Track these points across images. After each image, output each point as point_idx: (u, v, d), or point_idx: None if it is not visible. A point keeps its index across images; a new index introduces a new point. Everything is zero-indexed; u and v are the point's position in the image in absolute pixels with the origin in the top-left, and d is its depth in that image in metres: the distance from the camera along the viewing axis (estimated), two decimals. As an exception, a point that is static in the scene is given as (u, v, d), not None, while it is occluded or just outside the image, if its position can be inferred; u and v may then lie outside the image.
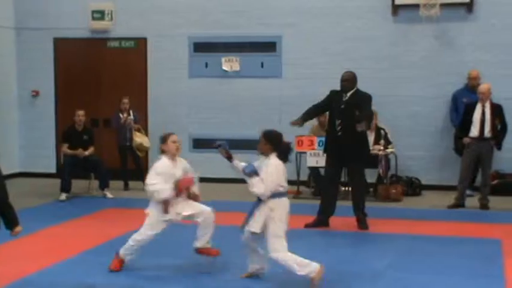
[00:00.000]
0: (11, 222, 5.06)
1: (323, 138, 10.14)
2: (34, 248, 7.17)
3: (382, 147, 10.03)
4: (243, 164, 5.88)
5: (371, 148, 9.37)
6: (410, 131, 11.03)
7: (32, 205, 9.69)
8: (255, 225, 5.63)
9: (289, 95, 11.49)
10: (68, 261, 6.65)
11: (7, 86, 12.45)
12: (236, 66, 11.70)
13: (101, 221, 8.75)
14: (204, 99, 11.83)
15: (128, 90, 11.63)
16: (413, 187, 10.55)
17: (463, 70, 10.61)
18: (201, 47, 11.84)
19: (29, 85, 12.55)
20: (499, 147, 9.50)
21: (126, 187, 11.13)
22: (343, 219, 8.18)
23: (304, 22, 11.38)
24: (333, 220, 8.13)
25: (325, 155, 8.48)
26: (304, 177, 10.79)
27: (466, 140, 9.39)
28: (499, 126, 9.36)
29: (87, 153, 10.35)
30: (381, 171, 10.16)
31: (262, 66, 11.62)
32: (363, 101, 7.95)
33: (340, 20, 11.25)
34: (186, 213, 6.16)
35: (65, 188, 10.18)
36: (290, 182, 10.66)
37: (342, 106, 7.95)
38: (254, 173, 5.61)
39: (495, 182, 10.36)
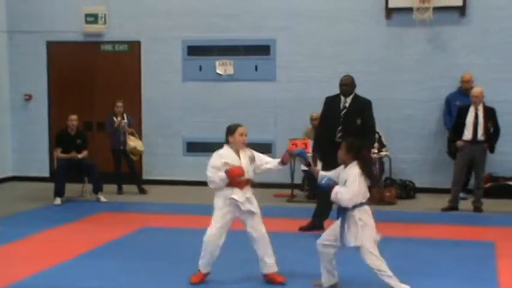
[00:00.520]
0: None
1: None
2: (28, 252, 7.14)
3: (376, 151, 10.05)
4: (322, 173, 5.78)
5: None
6: (404, 134, 11.06)
7: (25, 209, 9.66)
8: (356, 239, 5.49)
9: (283, 98, 11.50)
10: (62, 265, 6.62)
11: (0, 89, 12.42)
12: (230, 70, 11.70)
13: (95, 225, 8.72)
14: (198, 103, 11.82)
15: (122, 93, 11.61)
16: (407, 190, 10.57)
17: (456, 73, 10.65)
18: (194, 50, 11.84)
19: (22, 89, 12.51)
20: (492, 150, 9.52)
21: (119, 191, 11.11)
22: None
23: (298, 25, 11.40)
24: (328, 224, 8.10)
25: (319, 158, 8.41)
26: (298, 180, 10.80)
27: (459, 143, 9.42)
28: (491, 129, 9.40)
29: (80, 156, 10.31)
30: (374, 174, 10.18)
31: (256, 69, 11.63)
32: (365, 108, 7.84)
33: (333, 23, 11.27)
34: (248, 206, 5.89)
35: (59, 192, 10.15)
36: (284, 185, 10.87)
37: (343, 113, 7.80)
38: (333, 182, 5.53)
39: (488, 184, 10.40)
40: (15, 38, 12.44)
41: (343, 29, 11.23)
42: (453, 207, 9.49)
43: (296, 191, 10.70)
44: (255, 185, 6.08)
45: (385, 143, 10.46)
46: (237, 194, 5.84)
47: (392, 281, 5.50)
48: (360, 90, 8.33)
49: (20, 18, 12.38)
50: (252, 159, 6.01)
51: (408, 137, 11.05)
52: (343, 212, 5.54)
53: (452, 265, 6.58)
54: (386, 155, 10.33)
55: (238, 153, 5.95)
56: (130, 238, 7.83)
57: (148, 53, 11.99)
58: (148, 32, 11.94)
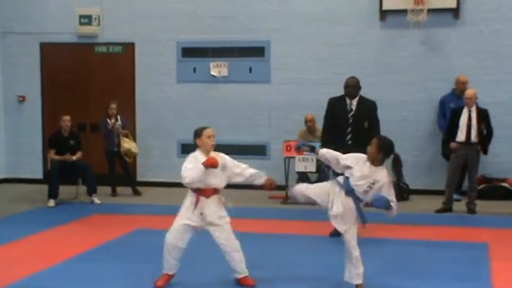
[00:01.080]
0: None
1: (312, 143, 10.15)
2: (21, 254, 7.12)
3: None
4: (331, 151, 5.73)
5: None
6: (398, 136, 10.99)
7: (18, 211, 9.63)
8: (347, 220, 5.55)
9: (278, 100, 11.51)
10: (55, 267, 6.60)
11: (-7, 91, 12.39)
12: (224, 72, 11.70)
13: (89, 227, 8.70)
14: (192, 105, 11.81)
15: (116, 95, 11.59)
16: (401, 192, 10.56)
17: (450, 75, 10.68)
18: (189, 52, 11.83)
19: (15, 90, 12.48)
20: (485, 152, 9.55)
21: (113, 193, 11.08)
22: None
23: (292, 27, 11.41)
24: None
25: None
26: (292, 182, 10.78)
27: (452, 144, 9.45)
28: (485, 131, 9.42)
29: (75, 158, 10.29)
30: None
31: (250, 71, 11.63)
32: (372, 111, 7.82)
33: (328, 25, 11.28)
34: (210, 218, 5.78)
35: (53, 194, 10.12)
36: (278, 187, 10.82)
37: (350, 115, 7.73)
38: (389, 201, 5.36)
39: (482, 186, 10.43)
40: (9, 39, 12.41)
41: (337, 31, 11.25)
42: (447, 208, 9.51)
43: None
44: (225, 203, 5.95)
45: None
46: (202, 204, 5.74)
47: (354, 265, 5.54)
48: (354, 92, 8.34)
49: (13, 20, 12.35)
50: (224, 167, 5.85)
51: (402, 139, 11.03)
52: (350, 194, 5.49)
53: (446, 266, 6.59)
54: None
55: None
56: (124, 240, 7.81)
57: (142, 55, 11.98)
58: (142, 34, 11.93)
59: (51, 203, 10.08)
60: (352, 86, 7.82)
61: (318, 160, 10.08)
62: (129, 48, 12.04)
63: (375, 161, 5.45)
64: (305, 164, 10.06)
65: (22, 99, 12.50)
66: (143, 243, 7.58)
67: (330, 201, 5.61)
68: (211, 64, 11.72)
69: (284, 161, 10.51)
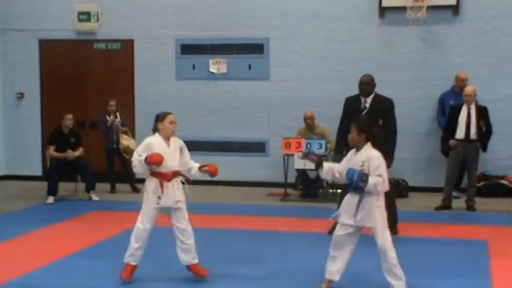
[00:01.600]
0: None
1: (311, 141, 10.18)
2: (20, 250, 7.12)
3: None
4: (336, 166, 5.61)
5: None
6: (397, 132, 11.03)
7: (17, 208, 9.62)
8: (371, 220, 5.41)
9: (277, 97, 11.49)
10: (54, 264, 6.60)
11: (-8, 88, 12.37)
12: (223, 68, 11.68)
13: (88, 224, 8.70)
14: (191, 102, 11.79)
15: (115, 92, 11.57)
16: (400, 189, 10.56)
17: (450, 72, 10.67)
18: (188, 49, 11.81)
19: (14, 87, 12.46)
20: (485, 149, 9.55)
21: (112, 190, 11.08)
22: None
23: (292, 24, 11.39)
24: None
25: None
26: (291, 179, 10.79)
27: (452, 142, 9.44)
28: (484, 128, 9.42)
29: (77, 153, 10.27)
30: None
31: (249, 68, 11.61)
32: (387, 109, 7.68)
33: (327, 22, 11.26)
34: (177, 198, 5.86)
35: (52, 191, 10.11)
36: (277, 184, 10.86)
37: (364, 113, 7.57)
38: (364, 175, 5.30)
39: (481, 183, 10.42)
40: (8, 36, 12.38)
41: (336, 27, 11.23)
42: (446, 205, 9.51)
43: (290, 190, 10.68)
44: (188, 181, 6.01)
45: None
46: (161, 188, 5.82)
47: (397, 269, 5.49)
48: (353, 90, 8.31)
49: (12, 16, 12.32)
50: (182, 149, 5.99)
51: (402, 136, 10.96)
52: (360, 191, 5.40)
53: (445, 264, 6.59)
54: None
55: (168, 142, 5.92)
56: (123, 237, 7.78)
57: (141, 52, 11.96)
58: (141, 31, 11.91)
59: (50, 199, 10.07)
60: (366, 84, 7.69)
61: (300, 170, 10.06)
62: (128, 45, 12.02)
63: (359, 144, 5.48)
64: (304, 161, 9.98)
65: (21, 96, 12.48)
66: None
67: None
68: (211, 61, 11.70)
69: (283, 158, 10.50)
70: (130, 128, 11.49)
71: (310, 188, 10.44)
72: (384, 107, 7.70)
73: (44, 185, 10.34)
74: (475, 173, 9.63)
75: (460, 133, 9.35)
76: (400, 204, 9.97)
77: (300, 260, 6.75)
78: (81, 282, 5.99)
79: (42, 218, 8.97)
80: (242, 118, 11.67)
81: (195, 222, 6.14)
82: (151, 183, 5.92)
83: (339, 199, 7.84)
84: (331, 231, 7.72)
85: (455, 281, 6.03)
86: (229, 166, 10.81)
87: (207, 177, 6.19)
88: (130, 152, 11.12)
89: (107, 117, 10.96)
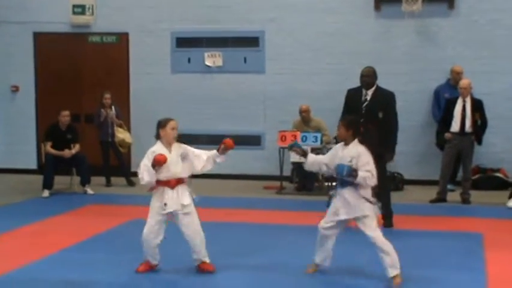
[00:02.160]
0: None
1: (306, 134, 10.18)
2: (16, 244, 7.10)
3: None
4: (320, 157, 5.91)
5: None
6: (394, 126, 11.06)
7: (12, 202, 9.61)
8: (360, 210, 5.58)
9: (273, 90, 11.49)
10: (49, 257, 6.59)
11: (-14, 81, 12.32)
12: (219, 62, 11.66)
13: (83, 217, 8.69)
14: (186, 95, 11.78)
15: (110, 85, 11.54)
16: (396, 182, 10.59)
17: (445, 65, 10.68)
18: (183, 42, 11.79)
19: (9, 80, 12.41)
20: (480, 142, 9.57)
21: (108, 183, 11.06)
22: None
23: (287, 17, 11.38)
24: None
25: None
26: (287, 172, 10.80)
27: (447, 135, 9.45)
28: (479, 121, 9.43)
29: (74, 151, 10.26)
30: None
31: (245, 61, 11.59)
32: (387, 101, 7.64)
33: (322, 15, 11.25)
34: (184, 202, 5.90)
35: (48, 184, 10.10)
36: (273, 177, 10.86)
37: (364, 105, 7.56)
38: (353, 170, 5.46)
39: (476, 176, 10.46)
40: (2, 29, 12.33)
41: (332, 20, 11.22)
42: (441, 198, 9.53)
43: (285, 183, 10.70)
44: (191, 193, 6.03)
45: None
46: (167, 195, 5.87)
47: (389, 257, 5.57)
48: (348, 83, 8.33)
49: (7, 9, 12.26)
50: (185, 157, 5.97)
51: (397, 129, 11.06)
52: (345, 184, 5.58)
53: (440, 256, 6.60)
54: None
55: (170, 149, 5.95)
56: (118, 230, 7.81)
57: (136, 45, 11.93)
58: (136, 24, 11.88)
59: (46, 193, 10.06)
60: (367, 76, 7.63)
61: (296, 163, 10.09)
62: (123, 38, 11.99)
63: (348, 140, 5.67)
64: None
65: (15, 89, 12.43)
66: (137, 234, 7.54)
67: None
68: (206, 54, 11.68)
69: (279, 151, 10.50)
70: (125, 121, 11.48)
71: (305, 181, 10.46)
72: (385, 100, 7.66)
73: (39, 178, 10.32)
74: (470, 166, 9.65)
75: (455, 126, 9.36)
76: (396, 197, 10.00)
77: (295, 252, 6.76)
78: (77, 275, 5.98)
79: (37, 211, 8.95)
80: (238, 111, 11.66)
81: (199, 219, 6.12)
82: (156, 192, 5.96)
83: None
84: None
85: (450, 273, 6.04)
86: (225, 159, 10.78)
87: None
88: (125, 145, 11.14)
89: (102, 111, 10.94)
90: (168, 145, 5.95)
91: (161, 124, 5.99)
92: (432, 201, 9.51)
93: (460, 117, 9.33)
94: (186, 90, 11.79)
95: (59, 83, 12.19)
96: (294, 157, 10.10)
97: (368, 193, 5.65)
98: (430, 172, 10.59)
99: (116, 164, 11.06)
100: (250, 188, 10.75)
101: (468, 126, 9.34)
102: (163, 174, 5.85)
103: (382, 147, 7.41)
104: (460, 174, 9.97)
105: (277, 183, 10.59)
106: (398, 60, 11.03)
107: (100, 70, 12.04)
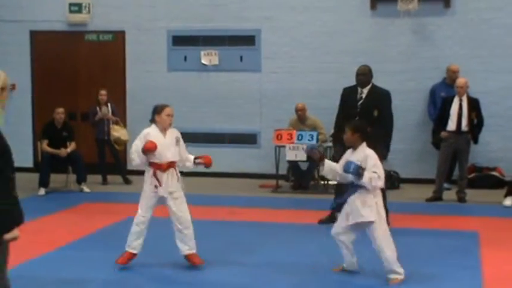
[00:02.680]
0: None
1: (302, 132, 10.19)
2: (12, 242, 7.08)
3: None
4: (335, 164, 5.82)
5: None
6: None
7: (8, 200, 9.58)
8: (368, 215, 5.58)
9: (269, 88, 11.49)
10: (45, 255, 6.59)
11: (-18, 79, 12.27)
12: (215, 60, 11.65)
13: (79, 215, 8.68)
14: (182, 93, 11.77)
15: (106, 83, 11.53)
16: (392, 180, 10.58)
17: (441, 64, 10.69)
18: (179, 40, 11.78)
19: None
20: (476, 141, 9.58)
21: (104, 181, 11.05)
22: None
23: (283, 16, 11.37)
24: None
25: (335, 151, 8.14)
26: (283, 171, 10.80)
27: (443, 134, 9.47)
28: (475, 120, 9.45)
29: (69, 150, 10.26)
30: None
31: (241, 60, 11.59)
32: (382, 100, 7.65)
33: (318, 13, 11.25)
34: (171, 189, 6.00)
35: (44, 182, 10.09)
36: (269, 176, 10.87)
37: (359, 104, 7.57)
38: (360, 168, 5.48)
39: (472, 175, 10.47)
40: (-2, 27, 12.31)
41: (328, 19, 11.22)
42: (437, 197, 9.54)
43: (281, 182, 10.70)
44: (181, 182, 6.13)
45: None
46: (159, 178, 5.95)
47: (393, 263, 5.61)
48: (344, 81, 8.33)
49: (2, 7, 12.22)
50: (178, 141, 6.12)
51: (393, 128, 11.05)
52: (356, 188, 5.59)
53: (436, 255, 6.62)
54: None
55: (164, 133, 6.05)
56: (114, 228, 7.80)
57: (133, 43, 11.91)
58: (133, 22, 11.86)
59: (42, 191, 10.05)
60: (362, 74, 7.65)
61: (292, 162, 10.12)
62: (119, 36, 11.98)
63: (355, 144, 5.68)
64: (296, 152, 10.04)
65: (12, 88, 12.40)
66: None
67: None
68: (202, 53, 11.67)
69: (275, 149, 10.51)
70: (121, 119, 11.45)
71: (301, 180, 10.46)
72: (380, 99, 7.68)
73: (35, 176, 10.30)
74: (466, 164, 9.67)
75: (451, 125, 9.38)
76: (392, 195, 10.03)
77: (291, 250, 6.77)
78: (73, 273, 5.98)
79: (33, 209, 8.84)
80: (234, 110, 11.66)
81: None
82: (148, 173, 6.06)
83: (335, 190, 7.88)
84: (321, 221, 7.80)
85: (446, 272, 6.05)
86: (221, 158, 10.78)
87: (200, 169, 6.26)
88: (121, 143, 11.12)
89: (98, 108, 10.93)
90: (163, 130, 6.05)
91: (157, 110, 6.08)
92: (428, 200, 9.52)
93: (457, 116, 9.34)
94: (183, 88, 11.78)
95: (55, 81, 12.17)
96: (290, 156, 10.14)
97: (380, 202, 5.66)
98: (426, 171, 10.60)
99: (112, 161, 11.05)
100: (246, 187, 10.75)
101: (464, 125, 9.35)
102: (156, 157, 5.96)
103: (377, 145, 7.42)
104: (456, 172, 9.99)
105: (273, 182, 10.60)
106: (394, 59, 11.04)
107: (96, 68, 12.03)
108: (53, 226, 8.00)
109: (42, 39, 12.20)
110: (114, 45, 12.01)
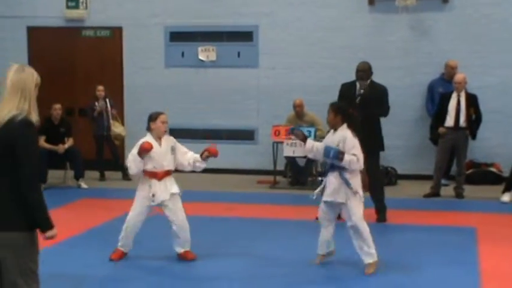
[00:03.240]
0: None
1: (300, 128, 10.15)
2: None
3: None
4: (318, 143, 6.00)
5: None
6: (387, 120, 10.98)
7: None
8: (342, 195, 5.72)
9: (266, 84, 11.47)
10: (43, 251, 6.52)
11: (-21, 75, 12.24)
12: (213, 56, 11.63)
13: (77, 211, 8.68)
14: (180, 89, 11.76)
15: (103, 80, 11.50)
16: (389, 176, 10.59)
17: (439, 60, 10.68)
18: (177, 36, 11.75)
19: (2, 74, 12.30)
20: (474, 137, 9.58)
21: (102, 177, 11.04)
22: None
23: (281, 11, 11.35)
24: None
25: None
26: (281, 167, 10.79)
27: (441, 129, 9.46)
28: (473, 116, 9.45)
29: (66, 146, 10.26)
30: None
31: (238, 55, 11.57)
32: (380, 95, 7.70)
33: (316, 9, 11.23)
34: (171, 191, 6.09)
35: (42, 179, 10.06)
36: (267, 172, 10.86)
37: (358, 99, 7.60)
38: (340, 153, 5.64)
39: (470, 171, 10.47)
40: (-5, 23, 12.27)
41: (326, 15, 11.20)
42: (435, 193, 9.55)
43: (279, 178, 10.69)
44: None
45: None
46: (154, 186, 6.04)
47: (369, 243, 5.71)
48: (342, 77, 8.32)
49: (0, 3, 12.19)
50: (173, 149, 6.19)
51: (391, 124, 11.02)
52: (334, 169, 5.73)
53: (434, 251, 6.62)
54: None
55: (160, 142, 6.13)
56: (112, 224, 7.78)
57: (130, 39, 11.88)
58: (130, 18, 11.83)
59: (41, 188, 10.01)
60: (362, 70, 7.70)
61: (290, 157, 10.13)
62: (116, 32, 11.95)
63: (337, 125, 5.83)
64: (293, 149, 10.02)
65: (9, 84, 12.36)
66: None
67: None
68: (200, 48, 11.65)
69: (272, 145, 10.50)
70: (119, 115, 11.45)
71: (299, 176, 10.45)
72: (378, 94, 7.73)
73: (32, 173, 10.28)
74: (464, 160, 9.67)
75: (449, 121, 9.37)
76: (389, 191, 10.02)
77: (288, 246, 6.77)
78: (71, 270, 5.98)
79: (30, 206, 8.91)
80: (231, 106, 11.64)
81: (185, 210, 6.16)
82: (143, 184, 6.12)
83: None
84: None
85: (444, 267, 6.06)
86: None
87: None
88: (121, 139, 11.13)
89: (96, 104, 10.91)
90: (158, 138, 6.13)
91: (152, 117, 6.18)
92: (426, 196, 9.53)
93: (455, 111, 9.33)
94: (180, 84, 11.76)
95: (52, 77, 12.06)
96: (288, 152, 10.13)
97: (357, 182, 5.75)
98: (423, 166, 10.60)
99: (110, 157, 11.04)
100: (243, 183, 10.74)
101: (462, 121, 9.35)
102: (151, 165, 6.02)
103: (374, 140, 7.45)
104: (454, 168, 9.99)
105: (270, 178, 10.59)
106: (392, 55, 11.03)
107: (94, 64, 12.00)
108: (50, 222, 7.97)
109: (39, 35, 12.17)
110: (111, 41, 11.98)
